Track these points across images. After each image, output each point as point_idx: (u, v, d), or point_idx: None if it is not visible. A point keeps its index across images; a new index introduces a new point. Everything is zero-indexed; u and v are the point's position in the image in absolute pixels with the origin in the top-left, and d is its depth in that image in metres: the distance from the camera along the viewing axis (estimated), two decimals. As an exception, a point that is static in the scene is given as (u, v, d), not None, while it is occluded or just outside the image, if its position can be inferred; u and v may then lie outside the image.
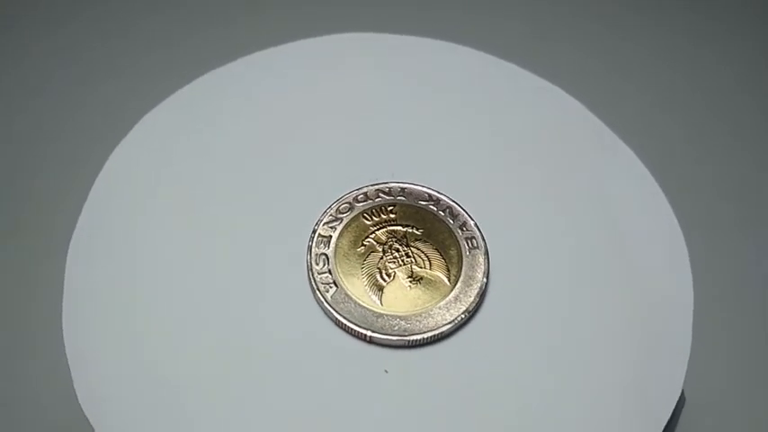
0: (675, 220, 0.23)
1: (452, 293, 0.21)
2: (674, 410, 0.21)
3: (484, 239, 0.22)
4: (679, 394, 0.21)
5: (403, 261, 0.22)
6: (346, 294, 0.21)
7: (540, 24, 0.36)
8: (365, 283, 0.22)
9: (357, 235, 0.22)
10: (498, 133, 0.24)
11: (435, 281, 0.22)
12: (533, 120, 0.25)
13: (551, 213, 0.23)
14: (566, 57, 0.35)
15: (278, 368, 0.21)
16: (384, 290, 0.21)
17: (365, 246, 0.22)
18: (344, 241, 0.22)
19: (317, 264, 0.22)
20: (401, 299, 0.21)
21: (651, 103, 0.34)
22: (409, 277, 0.22)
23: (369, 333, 0.21)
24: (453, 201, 0.23)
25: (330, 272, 0.22)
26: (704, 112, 0.35)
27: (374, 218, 0.23)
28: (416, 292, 0.21)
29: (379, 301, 0.21)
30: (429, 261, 0.22)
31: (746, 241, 0.32)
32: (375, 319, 0.21)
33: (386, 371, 0.21)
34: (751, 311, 0.30)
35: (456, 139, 0.24)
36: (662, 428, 0.20)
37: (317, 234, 0.22)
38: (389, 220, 0.23)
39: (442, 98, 0.25)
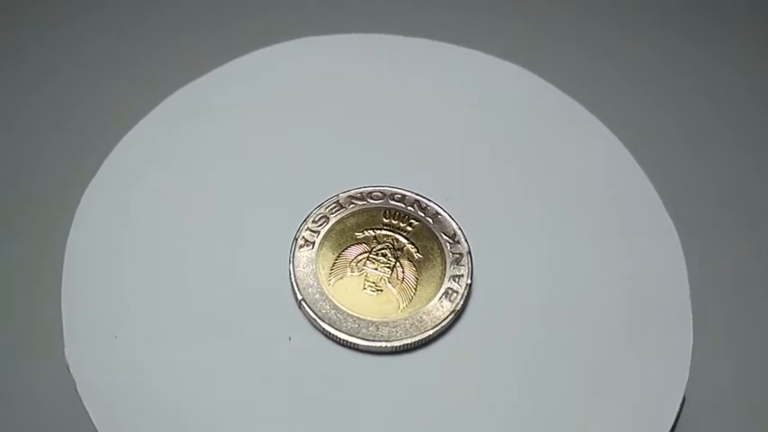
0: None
1: (391, 320, 0.21)
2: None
3: (465, 300, 0.22)
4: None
5: (380, 267, 0.22)
6: (313, 258, 0.22)
7: (540, 24, 0.35)
8: (334, 261, 0.22)
9: (366, 222, 0.23)
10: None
11: (390, 300, 0.21)
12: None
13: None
14: (566, 57, 0.35)
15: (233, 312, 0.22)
16: (343, 278, 0.22)
17: (364, 234, 0.22)
18: (352, 220, 0.23)
19: (315, 221, 0.22)
20: (349, 294, 0.21)
21: (651, 103, 0.34)
22: (372, 283, 0.22)
23: (301, 299, 0.21)
24: (470, 251, 0.22)
25: (318, 233, 0.22)
26: (704, 112, 0.34)
27: (392, 219, 0.23)
28: (367, 298, 0.21)
29: (332, 283, 0.22)
30: (401, 282, 0.22)
31: (745, 241, 0.31)
32: (314, 293, 0.21)
33: (290, 338, 0.21)
34: (750, 310, 0.30)
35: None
36: None
37: (335, 200, 0.23)
38: (401, 229, 0.22)
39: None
